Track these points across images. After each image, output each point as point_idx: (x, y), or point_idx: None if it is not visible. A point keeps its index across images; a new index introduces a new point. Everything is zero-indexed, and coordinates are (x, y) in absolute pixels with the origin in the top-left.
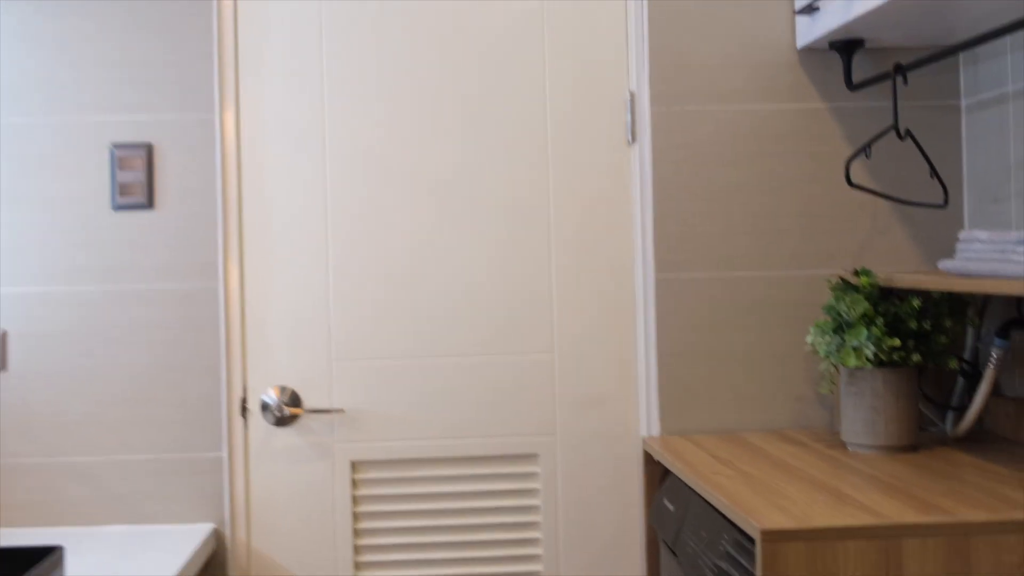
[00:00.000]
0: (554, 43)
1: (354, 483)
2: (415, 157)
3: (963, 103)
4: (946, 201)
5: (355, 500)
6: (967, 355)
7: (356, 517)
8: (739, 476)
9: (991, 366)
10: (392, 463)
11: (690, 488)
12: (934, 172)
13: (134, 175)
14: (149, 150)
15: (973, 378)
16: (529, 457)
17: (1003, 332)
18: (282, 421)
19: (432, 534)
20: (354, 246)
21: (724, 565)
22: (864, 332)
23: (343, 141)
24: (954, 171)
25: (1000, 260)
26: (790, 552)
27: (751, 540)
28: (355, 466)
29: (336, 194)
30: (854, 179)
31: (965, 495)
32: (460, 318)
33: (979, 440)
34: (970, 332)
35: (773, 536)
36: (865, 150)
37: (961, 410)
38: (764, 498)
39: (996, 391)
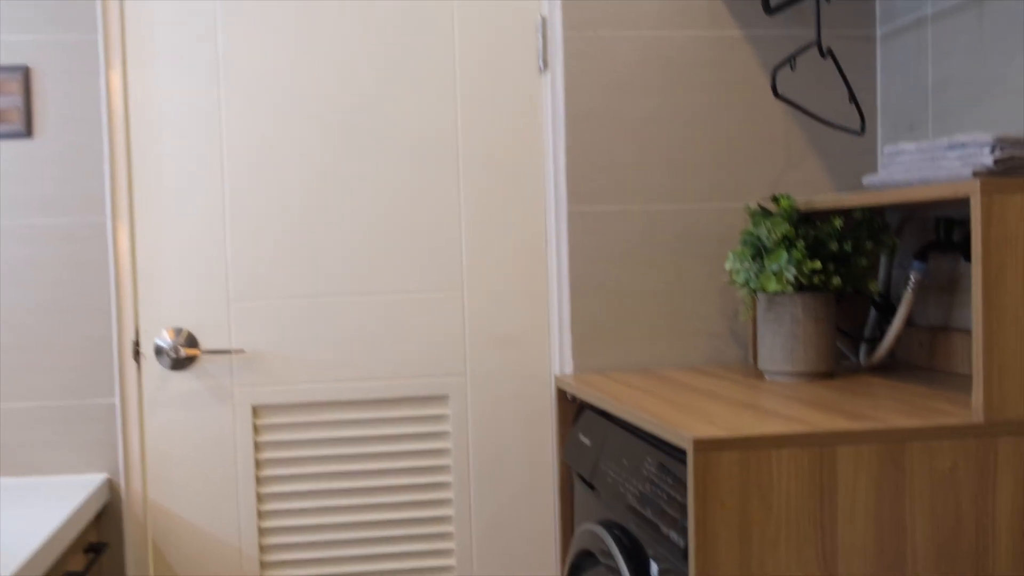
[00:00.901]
0: None
1: (256, 429)
2: (318, 86)
3: (878, 32)
4: (863, 128)
5: (257, 447)
6: (880, 287)
7: (259, 464)
8: (662, 401)
9: (910, 289)
10: (296, 407)
11: (609, 418)
12: (852, 97)
13: (10, 100)
14: (26, 73)
15: (885, 309)
16: (439, 399)
17: (921, 255)
18: (178, 364)
19: (339, 480)
20: (253, 180)
21: (648, 488)
22: (785, 255)
23: (241, 68)
24: (869, 100)
25: (931, 167)
26: (723, 461)
27: (677, 458)
28: (257, 411)
29: (233, 124)
30: (770, 106)
31: (893, 408)
32: (365, 255)
33: (893, 368)
34: (883, 263)
35: (705, 445)
36: (790, 61)
37: (874, 342)
38: (691, 415)
39: (908, 321)
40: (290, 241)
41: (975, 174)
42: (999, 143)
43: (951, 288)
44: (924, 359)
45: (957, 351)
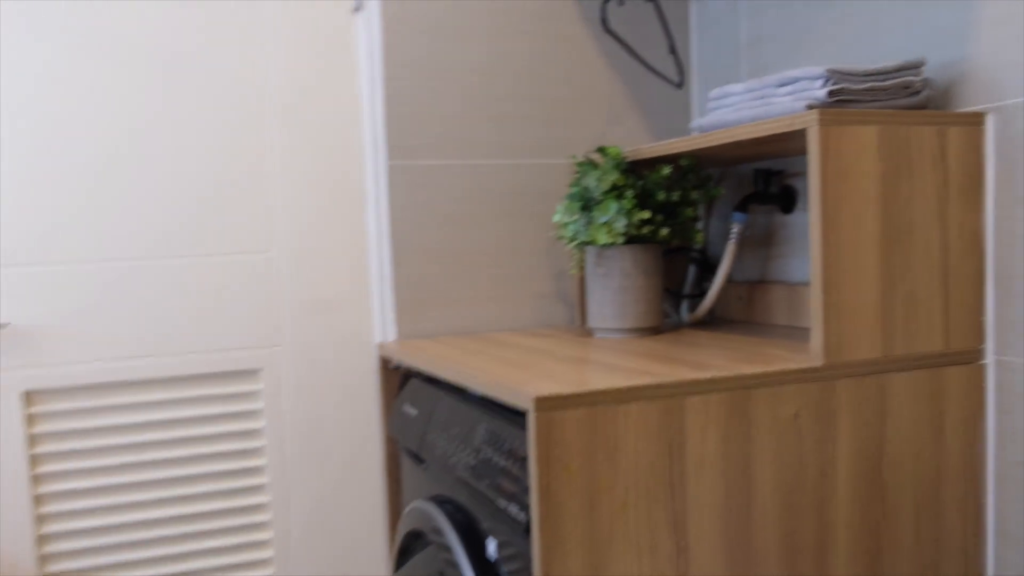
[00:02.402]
0: None
1: (29, 419)
2: (112, 28)
3: None
4: (681, 80)
5: (32, 440)
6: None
7: (34, 461)
8: (496, 360)
9: (732, 241)
10: (79, 391)
11: (436, 386)
12: (672, 48)
13: None
14: None
15: (704, 265)
16: (250, 373)
17: (742, 206)
18: None
19: (135, 472)
20: (34, 128)
21: (482, 458)
22: (614, 205)
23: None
24: (682, 58)
25: (762, 105)
26: (568, 420)
27: (513, 423)
28: (30, 397)
29: (9, 63)
30: (590, 57)
31: (732, 356)
32: (161, 214)
33: (713, 323)
34: (702, 216)
35: (548, 403)
36: None
37: (694, 298)
38: (528, 372)
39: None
40: (74, 199)
41: (809, 107)
42: (831, 75)
43: (767, 241)
44: (743, 313)
45: (775, 303)
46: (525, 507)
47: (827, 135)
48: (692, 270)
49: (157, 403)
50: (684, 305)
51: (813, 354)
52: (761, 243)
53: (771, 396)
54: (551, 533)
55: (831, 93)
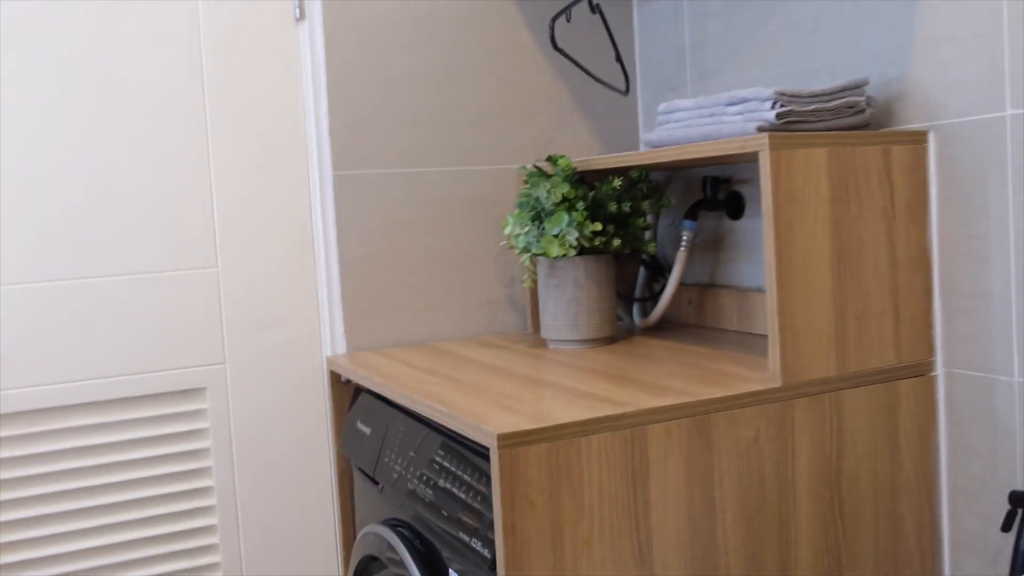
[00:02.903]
0: None
1: None
2: (32, 36)
3: None
4: (628, 88)
5: None
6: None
7: None
8: (449, 382)
9: (683, 248)
10: (17, 417)
11: (390, 405)
12: (619, 57)
13: None
14: None
15: (655, 268)
16: (195, 392)
17: (691, 214)
18: None
19: (74, 500)
20: None
21: (442, 486)
22: (565, 217)
23: None
24: (627, 63)
25: (710, 123)
26: (531, 455)
27: (474, 449)
28: None
29: None
30: (538, 67)
31: (690, 375)
32: (98, 230)
33: (665, 329)
34: (650, 229)
35: (510, 440)
36: (566, 12)
37: (645, 302)
38: (486, 400)
39: None
40: (10, 219)
41: (760, 129)
42: (779, 98)
43: (717, 246)
44: (694, 317)
45: (725, 309)
46: (489, 543)
47: (778, 158)
48: (642, 273)
49: (99, 426)
50: (636, 308)
51: (771, 375)
52: (710, 247)
53: (731, 419)
54: (517, 571)
55: (779, 115)
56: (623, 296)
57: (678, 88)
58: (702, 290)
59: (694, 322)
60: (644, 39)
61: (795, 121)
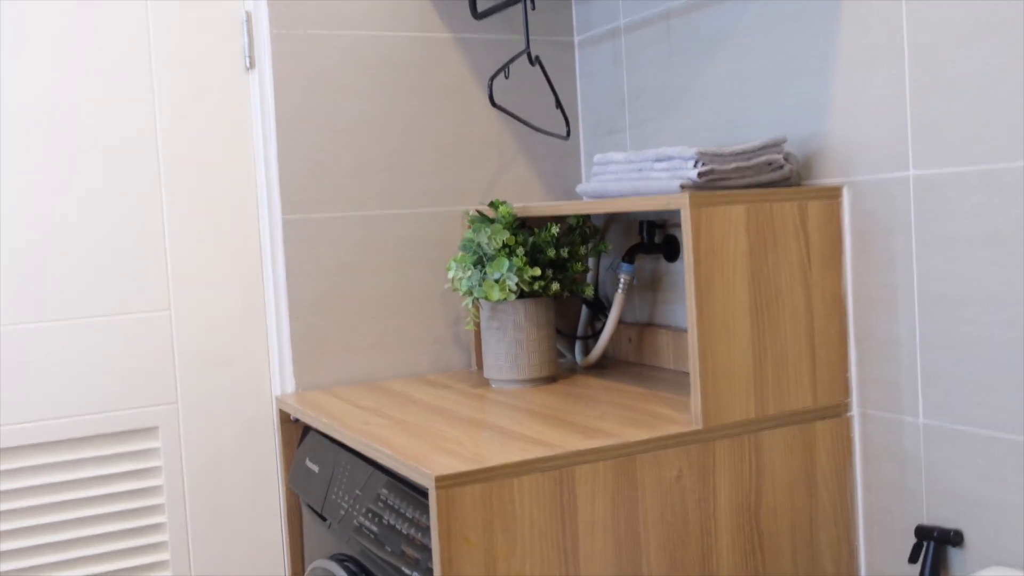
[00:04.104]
0: None
1: None
2: None
3: (576, 39)
4: (568, 132)
5: None
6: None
7: None
8: (393, 424)
9: (620, 291)
10: None
11: (337, 444)
12: (559, 103)
13: None
14: None
15: (597, 307)
16: (148, 431)
17: (628, 257)
18: None
19: (30, 536)
20: None
21: (385, 522)
22: (506, 263)
23: None
24: (570, 106)
25: (639, 178)
26: (466, 496)
27: (415, 488)
28: None
29: None
30: (476, 112)
31: (620, 417)
32: (54, 274)
33: (605, 367)
34: (591, 264)
35: (447, 481)
36: (504, 70)
37: (587, 339)
38: (427, 442)
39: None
40: None
41: (683, 187)
42: (701, 157)
43: (654, 287)
44: (633, 355)
45: (662, 348)
46: (429, 574)
47: (698, 215)
48: (585, 312)
49: (54, 465)
50: (578, 346)
51: (693, 418)
52: (648, 288)
53: (655, 460)
54: None
55: (701, 174)
56: (566, 335)
57: (617, 133)
58: (641, 329)
59: (634, 360)
60: (585, 85)
61: (717, 179)
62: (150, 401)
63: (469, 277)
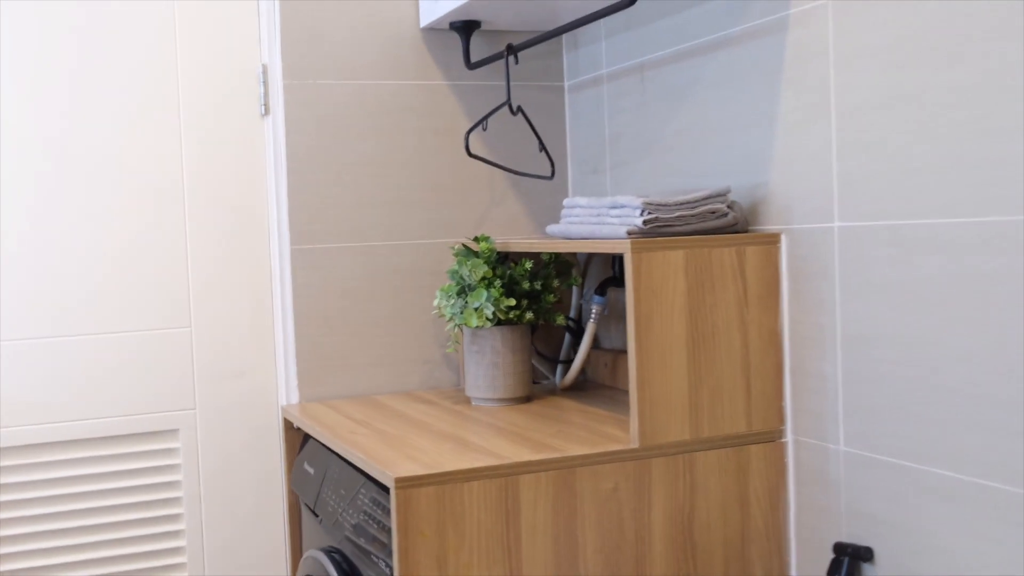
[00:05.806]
0: (185, 15)
1: None
2: (34, 129)
3: (566, 84)
4: (553, 173)
5: None
6: (572, 313)
7: None
8: (375, 434)
9: (592, 320)
10: (9, 451)
11: (329, 450)
12: (542, 146)
13: None
14: None
15: (577, 334)
16: (170, 432)
17: (601, 289)
18: None
19: (64, 520)
20: None
21: (363, 518)
22: (484, 293)
23: None
24: (559, 146)
25: (596, 223)
26: (421, 496)
27: (386, 490)
28: None
29: None
30: (474, 151)
31: (571, 435)
32: (90, 296)
33: (583, 388)
34: (574, 292)
35: (405, 483)
36: (482, 123)
37: (568, 363)
38: (397, 451)
39: (596, 344)
40: (5, 279)
41: (629, 234)
42: (646, 207)
43: (627, 316)
44: (608, 378)
45: None
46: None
47: (639, 259)
48: (567, 338)
49: (87, 459)
50: (559, 369)
51: (632, 437)
52: (622, 316)
53: (592, 473)
54: None
55: (646, 222)
56: (548, 358)
57: (600, 173)
58: (616, 355)
59: (609, 384)
60: (574, 127)
61: (661, 226)
62: (172, 406)
63: (452, 305)
